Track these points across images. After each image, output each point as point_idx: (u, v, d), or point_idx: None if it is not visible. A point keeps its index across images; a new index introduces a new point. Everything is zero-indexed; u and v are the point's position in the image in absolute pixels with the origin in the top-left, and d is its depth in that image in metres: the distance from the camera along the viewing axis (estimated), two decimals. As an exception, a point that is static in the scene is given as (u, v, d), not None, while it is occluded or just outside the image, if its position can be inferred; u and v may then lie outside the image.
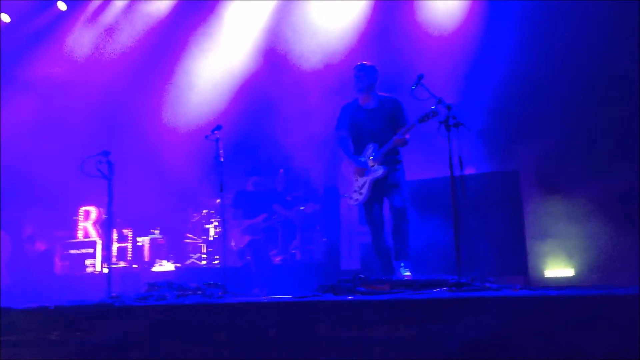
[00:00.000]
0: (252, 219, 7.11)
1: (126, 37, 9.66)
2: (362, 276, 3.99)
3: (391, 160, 5.10)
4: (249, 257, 7.12)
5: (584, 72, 6.61)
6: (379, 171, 5.03)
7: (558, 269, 6.18)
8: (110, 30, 9.72)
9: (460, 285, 3.51)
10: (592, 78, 6.55)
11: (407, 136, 5.02)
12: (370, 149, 5.11)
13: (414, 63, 7.32)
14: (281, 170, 8.44)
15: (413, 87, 4.45)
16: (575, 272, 6.16)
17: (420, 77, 4.46)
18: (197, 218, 8.89)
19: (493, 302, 2.91)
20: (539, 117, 6.77)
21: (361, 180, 5.11)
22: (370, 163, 5.07)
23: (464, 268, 3.86)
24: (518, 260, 5.74)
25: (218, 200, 8.16)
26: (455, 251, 3.94)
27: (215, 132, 5.67)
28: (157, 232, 9.35)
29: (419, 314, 2.98)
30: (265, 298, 3.94)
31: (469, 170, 5.97)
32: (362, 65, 5.24)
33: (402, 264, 4.89)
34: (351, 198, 5.20)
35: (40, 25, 9.88)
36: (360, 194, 5.10)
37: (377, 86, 5.25)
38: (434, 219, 5.83)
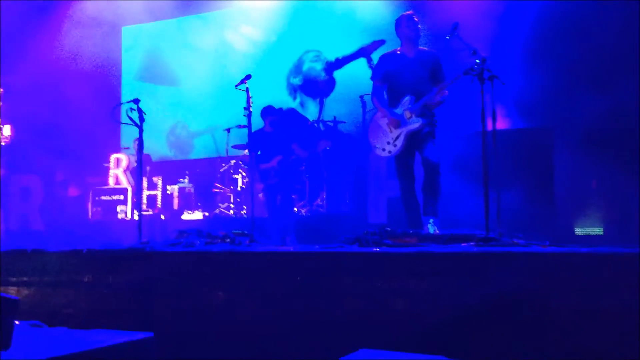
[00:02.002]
0: (267, 162, 7.13)
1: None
2: (389, 229, 4.00)
3: (427, 113, 5.02)
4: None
5: (621, 31, 6.41)
6: (416, 123, 4.93)
7: (587, 227, 6.12)
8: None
9: (488, 240, 3.49)
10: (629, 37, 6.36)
11: (446, 92, 4.95)
12: (407, 100, 5.02)
13: (443, 15, 7.20)
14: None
15: (447, 37, 4.33)
16: (605, 231, 6.09)
17: (455, 26, 4.33)
18: (225, 168, 8.95)
19: (521, 257, 2.89)
20: (577, 76, 6.62)
21: (395, 132, 5.02)
22: (407, 115, 4.98)
23: (492, 224, 3.83)
24: (547, 218, 5.67)
25: (246, 151, 8.21)
26: (484, 206, 3.91)
27: (245, 81, 5.63)
28: (185, 180, 9.46)
29: (445, 268, 2.98)
30: (291, 248, 3.98)
31: (502, 125, 5.88)
32: (412, 15, 5.13)
33: (431, 220, 4.85)
34: (384, 150, 5.11)
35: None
36: (395, 145, 5.02)
37: (418, 38, 5.16)
38: (464, 174, 5.78)
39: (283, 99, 9.58)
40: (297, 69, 10.12)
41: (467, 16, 7.86)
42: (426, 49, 5.21)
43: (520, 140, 5.93)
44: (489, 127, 3.97)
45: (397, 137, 5.00)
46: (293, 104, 10.04)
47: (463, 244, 3.52)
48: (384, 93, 5.24)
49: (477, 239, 3.56)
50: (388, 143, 5.06)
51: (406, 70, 5.08)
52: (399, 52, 5.20)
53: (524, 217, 5.33)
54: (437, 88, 4.89)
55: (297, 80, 10.14)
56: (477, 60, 4.23)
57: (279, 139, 7.19)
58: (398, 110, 5.04)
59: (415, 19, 5.12)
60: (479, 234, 3.66)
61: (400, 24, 5.14)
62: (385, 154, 5.12)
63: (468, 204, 5.40)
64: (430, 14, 7.11)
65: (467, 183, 5.57)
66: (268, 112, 7.28)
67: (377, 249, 3.46)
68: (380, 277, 3.12)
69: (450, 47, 4.36)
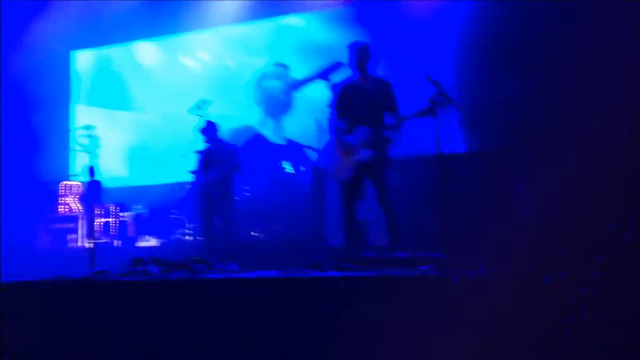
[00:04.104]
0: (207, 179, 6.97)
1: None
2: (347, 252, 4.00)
3: (377, 143, 5.07)
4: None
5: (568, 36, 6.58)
6: (363, 153, 5.02)
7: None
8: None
9: (447, 265, 3.52)
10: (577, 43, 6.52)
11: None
12: (359, 129, 5.09)
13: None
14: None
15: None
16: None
17: None
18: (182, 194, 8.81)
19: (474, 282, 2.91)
20: (522, 93, 6.75)
21: (346, 160, 5.10)
22: (356, 144, 5.06)
23: (452, 247, 3.86)
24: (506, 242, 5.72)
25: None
26: (441, 231, 3.94)
27: (201, 106, 5.60)
28: (141, 207, 9.28)
29: (404, 291, 2.98)
30: (250, 274, 3.92)
31: (457, 150, 5.95)
32: (355, 43, 5.24)
33: None
34: (334, 175, 5.25)
35: None
36: (344, 172, 5.11)
37: (370, 65, 5.23)
38: (419, 199, 5.83)
39: (241, 117, 9.61)
40: (259, 81, 10.12)
41: (421, 38, 8.05)
42: (379, 76, 5.28)
43: (477, 164, 6.00)
44: (445, 151, 4.03)
45: (347, 165, 5.07)
46: (253, 117, 10.00)
47: (423, 267, 3.53)
48: (340, 120, 5.30)
49: (435, 262, 3.58)
50: (338, 170, 5.14)
51: (358, 99, 5.17)
52: (354, 80, 5.28)
53: (484, 239, 5.38)
54: (390, 120, 5.01)
55: (257, 94, 10.13)
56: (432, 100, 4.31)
57: (217, 153, 6.99)
58: (349, 139, 5.12)
59: (358, 47, 5.19)
60: (437, 257, 3.68)
61: (348, 52, 5.23)
62: (336, 179, 5.25)
63: (426, 226, 5.45)
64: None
65: (425, 207, 5.62)
66: (207, 128, 7.03)
67: (336, 273, 3.45)
68: (340, 302, 3.10)
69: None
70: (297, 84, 9.74)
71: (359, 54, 5.17)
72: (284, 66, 9.91)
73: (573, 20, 6.47)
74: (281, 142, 8.84)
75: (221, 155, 6.93)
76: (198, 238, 8.33)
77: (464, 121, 6.35)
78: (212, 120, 6.97)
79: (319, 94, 9.43)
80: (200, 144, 7.06)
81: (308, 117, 8.55)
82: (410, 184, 5.86)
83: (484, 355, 2.70)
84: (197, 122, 6.69)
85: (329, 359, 3.01)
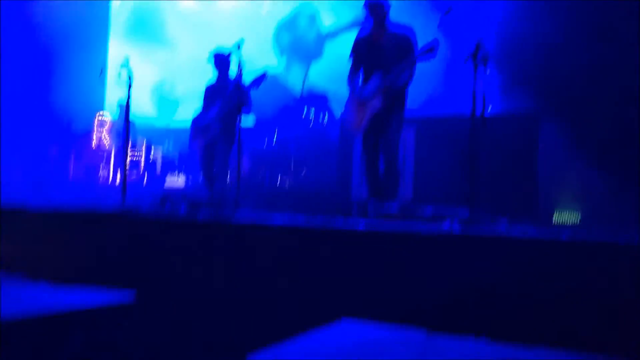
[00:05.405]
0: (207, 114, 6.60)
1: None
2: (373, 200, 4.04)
3: (392, 95, 5.04)
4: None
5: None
6: (377, 104, 5.03)
7: (567, 215, 6.20)
8: None
9: (471, 221, 3.54)
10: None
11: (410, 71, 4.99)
12: (374, 80, 5.09)
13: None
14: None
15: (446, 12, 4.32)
16: (583, 219, 6.18)
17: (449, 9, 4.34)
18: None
19: (503, 242, 2.93)
20: (565, 58, 6.60)
21: (361, 111, 5.14)
22: (371, 95, 5.08)
23: (475, 205, 3.86)
24: (528, 203, 5.74)
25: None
26: (469, 187, 3.94)
27: (240, 45, 5.49)
28: (169, 145, 9.38)
29: (427, 249, 3.02)
30: (276, 220, 3.98)
31: (489, 110, 5.90)
32: (369, 1, 5.15)
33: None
34: (352, 127, 5.29)
35: None
36: (360, 123, 5.16)
37: (388, 19, 5.18)
38: (448, 156, 5.83)
39: (267, 62, 9.52)
40: (288, 26, 9.94)
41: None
42: (398, 28, 5.18)
43: (506, 126, 5.95)
44: (479, 111, 3.98)
45: (363, 116, 5.12)
46: (279, 62, 9.88)
47: (446, 222, 3.55)
48: (358, 74, 5.32)
49: (459, 217, 3.61)
50: (356, 121, 5.20)
51: (376, 53, 5.14)
52: (372, 33, 5.24)
53: (506, 200, 5.41)
54: (397, 69, 4.93)
55: (286, 39, 9.97)
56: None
57: (224, 89, 6.49)
58: (363, 91, 5.15)
59: (371, 5, 5.11)
60: (461, 213, 3.70)
61: (365, 9, 5.17)
62: (353, 130, 5.32)
63: (452, 183, 5.47)
64: None
65: (453, 163, 5.62)
66: (216, 58, 6.61)
67: (362, 225, 3.49)
68: (365, 253, 3.15)
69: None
70: (331, 34, 9.58)
71: (373, 11, 5.12)
72: (313, 12, 9.71)
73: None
74: (307, 90, 8.76)
75: (228, 91, 6.44)
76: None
77: (501, 82, 6.25)
78: (227, 54, 6.47)
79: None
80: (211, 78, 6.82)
81: (338, 65, 8.47)
82: (442, 143, 5.86)
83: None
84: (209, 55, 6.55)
85: (352, 303, 3.07)
